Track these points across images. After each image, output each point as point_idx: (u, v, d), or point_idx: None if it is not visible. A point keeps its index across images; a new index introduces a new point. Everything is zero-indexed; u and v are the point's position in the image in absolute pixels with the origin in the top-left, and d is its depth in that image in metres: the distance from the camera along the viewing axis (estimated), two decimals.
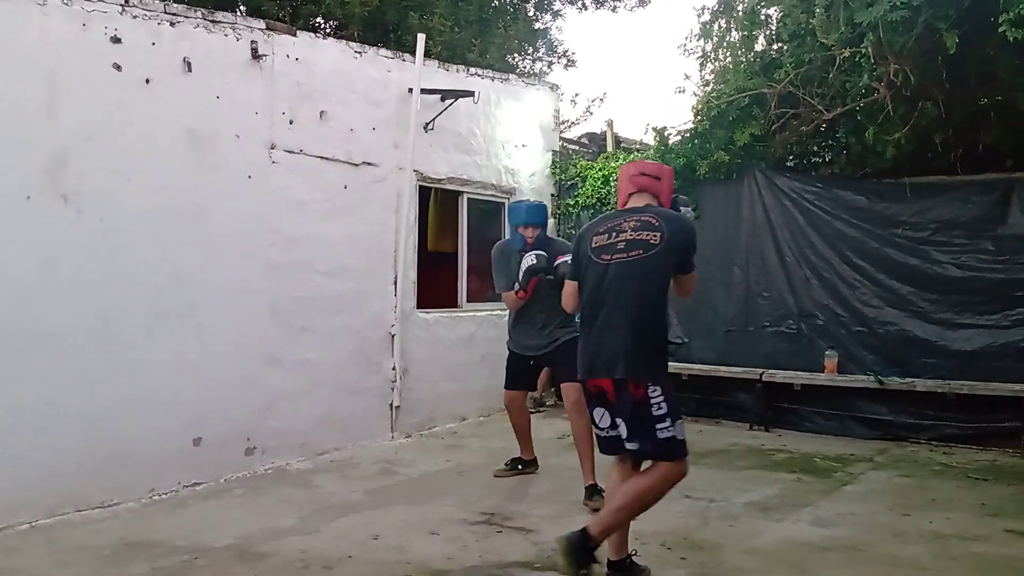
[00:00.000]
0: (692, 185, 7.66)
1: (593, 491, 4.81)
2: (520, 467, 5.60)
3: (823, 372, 6.90)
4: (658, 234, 3.43)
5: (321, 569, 3.82)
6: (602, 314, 3.45)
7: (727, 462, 5.89)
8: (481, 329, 7.65)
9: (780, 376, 6.99)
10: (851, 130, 6.93)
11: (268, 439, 5.63)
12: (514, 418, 5.55)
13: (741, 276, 7.43)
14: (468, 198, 7.65)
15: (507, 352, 5.50)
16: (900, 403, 6.60)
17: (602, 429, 3.52)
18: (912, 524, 4.47)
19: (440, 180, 7.32)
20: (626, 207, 3.68)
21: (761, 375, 7.05)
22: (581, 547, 3.31)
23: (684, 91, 7.67)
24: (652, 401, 3.31)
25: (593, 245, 3.56)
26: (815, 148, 7.64)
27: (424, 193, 7.33)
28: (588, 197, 8.37)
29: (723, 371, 7.31)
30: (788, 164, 7.61)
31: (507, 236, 5.45)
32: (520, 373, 5.46)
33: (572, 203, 8.56)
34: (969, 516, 4.62)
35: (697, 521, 4.51)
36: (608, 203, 8.24)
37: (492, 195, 7.95)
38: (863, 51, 5.90)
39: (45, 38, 4.59)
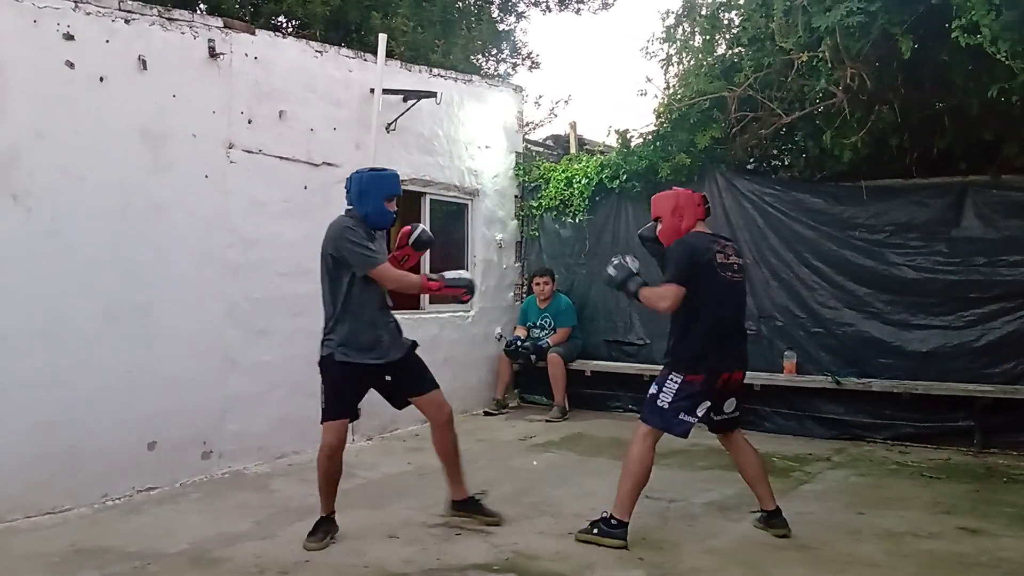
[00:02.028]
0: (654, 187, 7.67)
1: (469, 504, 4.53)
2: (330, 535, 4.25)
3: (782, 373, 6.97)
4: (743, 260, 4.43)
5: (276, 574, 3.77)
6: (734, 323, 4.29)
7: (688, 462, 5.93)
8: (444, 331, 7.63)
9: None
10: (809, 133, 7.02)
11: (225, 443, 5.54)
12: (336, 465, 4.25)
13: None
14: (431, 199, 7.62)
15: (353, 366, 4.16)
16: (857, 403, 6.69)
17: (696, 416, 4.14)
18: (867, 522, 4.53)
19: (403, 181, 7.22)
20: (707, 233, 4.31)
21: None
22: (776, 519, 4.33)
23: (646, 94, 7.67)
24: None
25: (717, 262, 4.16)
26: (775, 151, 7.74)
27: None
28: (551, 199, 8.37)
29: None
30: (748, 167, 7.69)
31: (357, 210, 4.25)
32: (362, 393, 4.32)
33: (535, 205, 8.56)
34: (922, 514, 4.70)
35: (656, 521, 4.53)
36: (570, 204, 8.26)
37: (455, 196, 7.94)
38: (821, 55, 5.96)
39: None
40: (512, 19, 12.53)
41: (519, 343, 7.90)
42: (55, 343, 4.67)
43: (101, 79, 4.92)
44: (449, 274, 4.49)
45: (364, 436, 6.69)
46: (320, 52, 6.45)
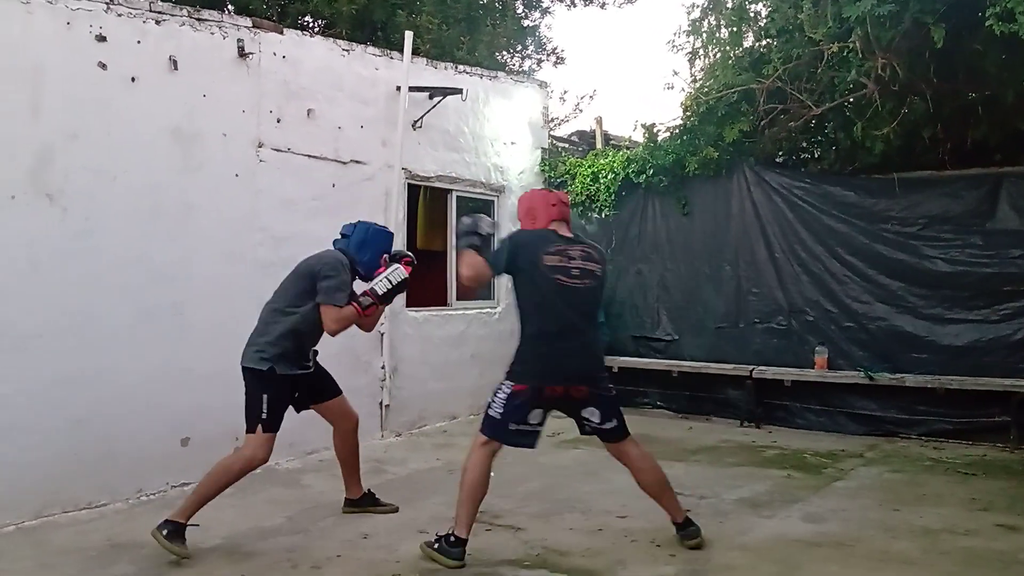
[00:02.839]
0: (681, 182, 7.67)
1: (365, 500, 4.68)
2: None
3: (813, 368, 6.90)
4: (599, 267, 4.03)
5: (310, 569, 3.80)
6: (566, 332, 3.88)
7: (717, 459, 5.89)
8: (471, 327, 7.64)
9: (770, 372, 6.99)
10: (840, 125, 6.94)
11: None
12: (240, 479, 4.20)
13: (731, 273, 7.43)
14: (457, 196, 7.63)
15: (290, 379, 4.22)
16: (890, 399, 6.61)
17: (531, 425, 3.94)
18: (902, 519, 4.47)
19: (429, 178, 7.30)
20: (560, 234, 4.00)
21: (751, 372, 7.05)
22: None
23: (673, 87, 7.64)
24: (613, 392, 4.10)
25: (545, 262, 3.86)
26: (804, 144, 7.65)
27: (413, 191, 7.31)
28: (577, 195, 8.34)
29: (713, 368, 7.31)
30: (777, 160, 7.61)
31: (354, 254, 4.35)
32: (287, 405, 4.27)
33: None
34: (959, 511, 4.62)
35: None
36: (597, 200, 8.23)
37: (481, 193, 7.94)
38: (851, 46, 5.89)
39: (29, 36, 4.56)
40: (537, 15, 12.47)
41: None
42: (89, 341, 4.74)
43: (133, 80, 4.99)
44: (379, 286, 4.24)
45: (393, 432, 6.73)
46: (347, 51, 6.48)
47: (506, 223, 8.23)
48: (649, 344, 7.96)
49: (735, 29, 7.14)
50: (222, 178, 5.47)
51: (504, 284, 8.24)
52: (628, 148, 8.56)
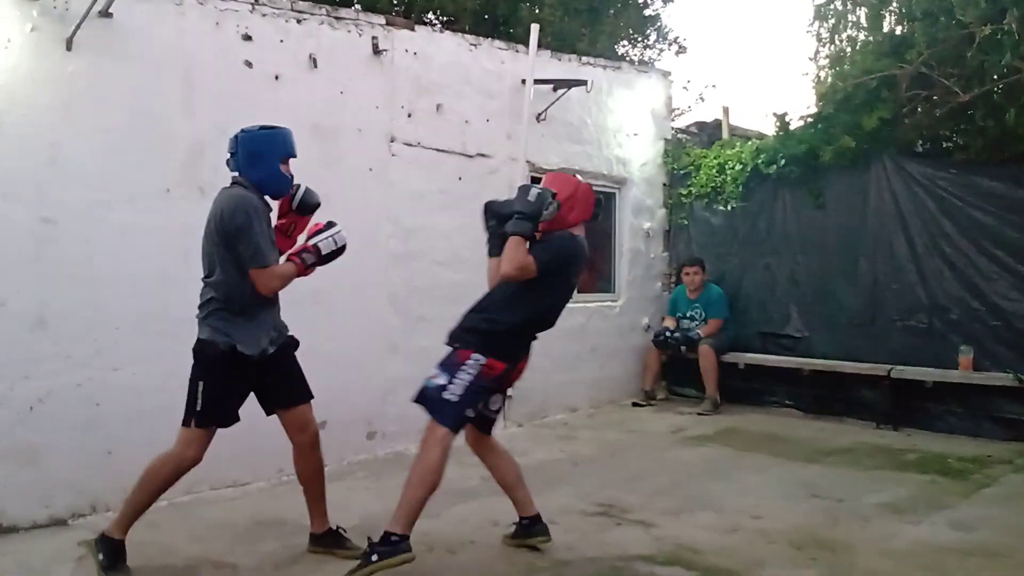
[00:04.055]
0: (814, 172, 7.39)
1: (328, 538, 3.98)
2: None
3: (956, 369, 6.53)
4: None
5: (445, 552, 3.88)
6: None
7: (853, 461, 5.66)
8: (591, 321, 7.61)
9: (910, 373, 6.65)
10: (989, 112, 6.50)
11: (388, 424, 5.75)
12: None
13: (867, 267, 7.11)
14: None
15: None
16: None
17: (492, 412, 3.93)
18: None
19: (552, 170, 7.29)
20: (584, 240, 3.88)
21: (889, 371, 6.73)
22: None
23: (807, 74, 7.40)
24: None
25: (576, 277, 3.89)
26: (947, 132, 7.23)
27: (536, 184, 7.32)
28: (702, 186, 8.18)
29: (847, 366, 7.01)
30: (918, 150, 7.22)
31: (248, 177, 3.66)
32: (244, 392, 3.77)
33: (685, 192, 8.38)
34: None
35: (826, 521, 4.35)
36: (723, 192, 8.05)
37: (603, 185, 7.87)
38: (1005, 28, 5.55)
39: (181, 37, 4.79)
40: (659, 3, 12.30)
41: (668, 334, 7.78)
42: None
43: (276, 77, 5.19)
44: (322, 242, 3.81)
45: (515, 423, 6.78)
46: (475, 45, 6.55)
47: (627, 215, 8.17)
48: (777, 341, 7.71)
49: (874, 12, 6.83)
50: (357, 171, 5.63)
51: (624, 276, 8.19)
52: (759, 139, 8.31)
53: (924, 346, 6.77)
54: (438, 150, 6.22)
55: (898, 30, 6.98)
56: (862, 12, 7.49)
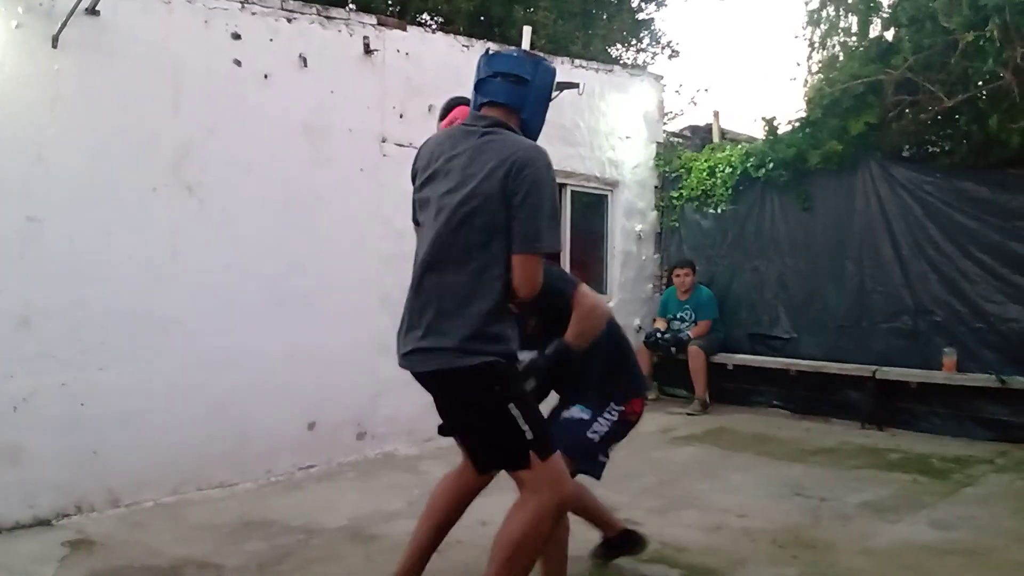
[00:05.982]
0: (802, 176, 7.45)
1: None
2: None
3: (940, 370, 6.60)
4: None
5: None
6: None
7: (838, 461, 5.72)
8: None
9: (895, 374, 6.72)
10: (973, 118, 6.57)
11: (378, 425, 5.78)
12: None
13: (854, 270, 7.17)
14: (571, 191, 7.65)
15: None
16: (1023, 404, 6.24)
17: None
18: None
19: None
20: None
21: (874, 372, 6.80)
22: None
23: (796, 79, 7.50)
24: None
25: None
26: (933, 137, 7.30)
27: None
28: (693, 189, 8.23)
29: (833, 367, 7.08)
30: (904, 154, 7.29)
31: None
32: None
33: (676, 195, 8.43)
34: None
35: (808, 520, 4.40)
36: (713, 195, 8.10)
37: (595, 187, 7.94)
38: (988, 34, 5.62)
39: (169, 35, 4.77)
40: (652, 7, 12.36)
41: (659, 335, 7.83)
42: (226, 327, 4.97)
43: (266, 76, 5.20)
44: None
45: None
46: (467, 46, 6.58)
47: (619, 218, 8.22)
48: (766, 342, 7.77)
49: (862, 18, 6.90)
50: (348, 172, 5.66)
51: (616, 278, 8.23)
52: (748, 143, 8.37)
53: (909, 348, 6.84)
54: None
55: (886, 36, 7.05)
56: (853, 19, 7.56)
